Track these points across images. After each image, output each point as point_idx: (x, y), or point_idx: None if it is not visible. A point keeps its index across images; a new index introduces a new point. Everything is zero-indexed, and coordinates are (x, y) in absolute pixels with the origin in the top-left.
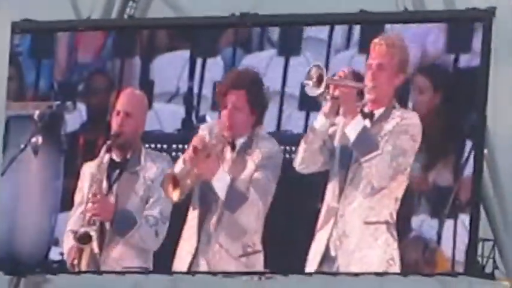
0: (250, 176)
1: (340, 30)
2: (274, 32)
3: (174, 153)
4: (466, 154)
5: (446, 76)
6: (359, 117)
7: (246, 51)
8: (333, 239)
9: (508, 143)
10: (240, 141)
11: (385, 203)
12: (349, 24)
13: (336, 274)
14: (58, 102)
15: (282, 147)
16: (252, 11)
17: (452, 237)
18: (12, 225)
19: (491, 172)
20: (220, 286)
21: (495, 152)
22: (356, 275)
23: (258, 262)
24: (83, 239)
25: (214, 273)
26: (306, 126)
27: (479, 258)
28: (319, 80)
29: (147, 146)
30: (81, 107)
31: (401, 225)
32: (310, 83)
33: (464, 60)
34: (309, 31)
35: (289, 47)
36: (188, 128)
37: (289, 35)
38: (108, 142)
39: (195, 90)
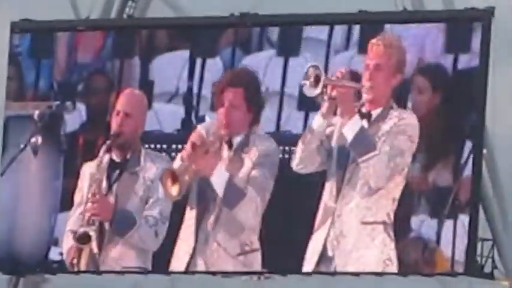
0: (248, 174)
1: (339, 30)
2: (274, 33)
3: (173, 154)
4: (465, 154)
5: (445, 76)
6: (356, 117)
7: (245, 51)
8: (330, 239)
9: (508, 143)
10: (237, 140)
11: (382, 203)
12: (348, 24)
13: (335, 274)
14: (58, 102)
15: (281, 148)
16: (252, 11)
17: (452, 237)
18: (11, 225)
19: (491, 172)
20: (219, 286)
21: (494, 152)
22: (356, 274)
23: (256, 261)
24: (82, 238)
25: (213, 273)
26: (305, 126)
27: (479, 258)
28: (317, 81)
29: (146, 146)
30: (81, 107)
31: (401, 226)
32: (308, 83)
33: (464, 61)
34: (308, 32)
35: (288, 48)
36: (188, 128)
37: (289, 35)
38: (108, 142)
39: (195, 90)
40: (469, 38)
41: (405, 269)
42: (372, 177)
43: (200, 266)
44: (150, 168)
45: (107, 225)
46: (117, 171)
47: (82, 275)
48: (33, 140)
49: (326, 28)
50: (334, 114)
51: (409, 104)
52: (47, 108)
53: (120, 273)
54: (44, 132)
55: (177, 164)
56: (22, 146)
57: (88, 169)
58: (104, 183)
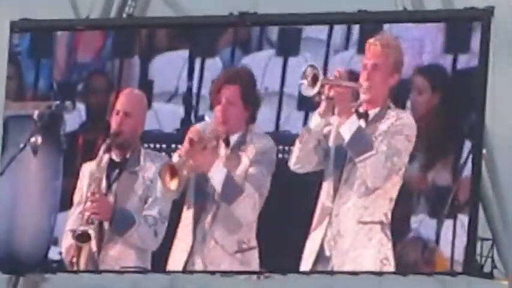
0: (245, 171)
1: (339, 30)
2: (273, 32)
3: (173, 153)
4: (464, 154)
5: (444, 76)
6: (354, 117)
7: (244, 51)
8: (327, 239)
9: (507, 142)
10: (234, 138)
11: (379, 203)
12: (348, 24)
13: (335, 273)
14: (57, 102)
15: (281, 147)
16: (251, 11)
17: (451, 237)
18: (11, 225)
19: (490, 172)
20: (219, 285)
21: (494, 152)
22: (355, 274)
23: (253, 259)
24: (82, 237)
25: (212, 273)
26: (305, 126)
27: (478, 258)
28: (314, 80)
29: (146, 145)
30: (81, 106)
31: (400, 225)
32: (305, 82)
33: (463, 61)
34: (308, 31)
35: (288, 47)
36: (187, 128)
37: (288, 35)
38: (108, 141)
39: (194, 90)
40: (468, 38)
41: (404, 268)
42: (369, 177)
43: (198, 264)
44: (149, 167)
45: (106, 225)
46: (117, 171)
47: (81, 274)
48: (32, 139)
49: (326, 28)
50: (332, 113)
51: (408, 104)
52: (47, 108)
53: (119, 272)
54: (44, 132)
55: (175, 159)
56: (22, 145)
57: (88, 169)
58: (104, 183)
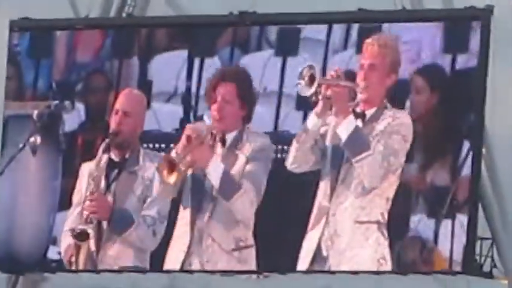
0: (242, 168)
1: (338, 30)
2: (272, 33)
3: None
4: (463, 154)
5: (443, 76)
6: (351, 117)
7: (243, 51)
8: (324, 239)
9: (507, 142)
10: (230, 137)
11: (376, 202)
12: (347, 23)
13: (334, 273)
14: (56, 102)
15: (280, 147)
16: (251, 10)
17: (450, 237)
18: (10, 225)
19: (490, 171)
20: (218, 284)
21: (493, 151)
22: (355, 273)
23: (250, 257)
24: (81, 235)
25: (212, 272)
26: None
27: (478, 257)
28: (311, 80)
29: (145, 145)
30: (80, 106)
31: (399, 225)
32: (302, 82)
33: (462, 60)
34: (307, 32)
35: (286, 48)
36: (185, 127)
37: (287, 35)
38: (107, 141)
39: (193, 90)
40: (467, 38)
41: (403, 268)
42: (366, 177)
43: (195, 264)
44: (148, 167)
45: (104, 224)
46: (116, 171)
47: (80, 274)
48: (32, 139)
49: (324, 28)
50: (329, 113)
51: (407, 104)
52: (46, 107)
53: (118, 271)
54: (43, 132)
55: (172, 155)
56: (21, 145)
57: (87, 169)
58: (103, 183)
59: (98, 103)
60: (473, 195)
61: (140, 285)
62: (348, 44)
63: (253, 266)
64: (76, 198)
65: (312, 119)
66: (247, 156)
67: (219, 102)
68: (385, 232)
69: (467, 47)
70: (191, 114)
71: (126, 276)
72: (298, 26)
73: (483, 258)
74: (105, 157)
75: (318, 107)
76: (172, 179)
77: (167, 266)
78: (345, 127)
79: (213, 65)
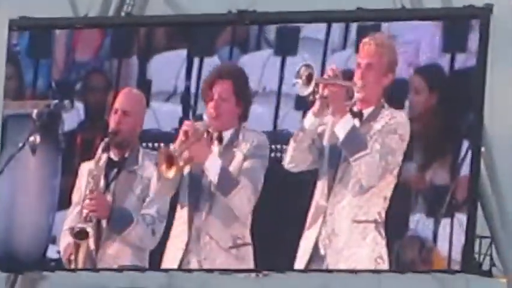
0: (240, 165)
1: (337, 29)
2: (271, 32)
3: None
4: (462, 154)
5: (442, 76)
6: (348, 116)
7: (242, 50)
8: (322, 238)
9: (506, 142)
10: (227, 134)
11: (373, 202)
12: (346, 22)
13: (333, 271)
14: (56, 101)
15: (279, 146)
16: (250, 9)
17: (449, 236)
18: (10, 224)
19: (489, 170)
20: (217, 283)
21: (493, 150)
22: (354, 272)
23: (248, 254)
24: (80, 234)
25: (211, 271)
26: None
27: (477, 256)
28: (309, 79)
29: (144, 144)
30: (79, 106)
31: (398, 224)
32: (300, 81)
33: (461, 60)
34: (306, 31)
35: (286, 47)
36: None
37: (286, 34)
38: (106, 139)
39: (192, 89)
40: (466, 37)
41: (402, 267)
42: (363, 176)
43: (193, 262)
44: (148, 167)
45: (104, 223)
46: (115, 170)
47: (79, 272)
48: (31, 138)
49: (323, 27)
50: (326, 113)
51: (406, 104)
52: (45, 107)
53: (117, 270)
54: (42, 131)
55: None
56: (20, 144)
57: (86, 168)
58: (102, 182)
59: (97, 102)
60: (472, 194)
61: (139, 284)
62: (347, 44)
63: (250, 264)
64: (75, 197)
65: (309, 118)
66: (245, 154)
67: (216, 100)
68: (383, 231)
69: (466, 46)
70: (190, 114)
71: (125, 275)
72: (298, 25)
73: (482, 257)
74: (104, 156)
75: (315, 106)
76: (171, 173)
77: (165, 264)
78: (342, 126)
79: (212, 64)
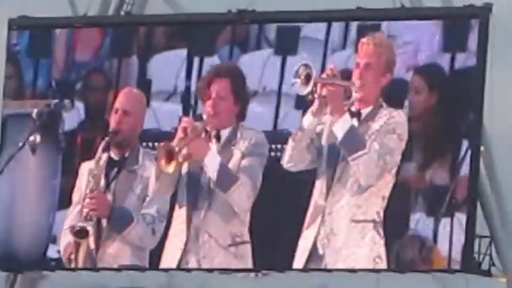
0: (238, 163)
1: (337, 28)
2: (271, 32)
3: None
4: (462, 153)
5: (442, 76)
6: (346, 116)
7: (243, 50)
8: (320, 237)
9: (506, 142)
10: (225, 133)
11: (372, 201)
12: (345, 21)
13: (333, 271)
14: (56, 101)
15: (280, 146)
16: (250, 8)
17: (449, 235)
18: (10, 223)
19: (489, 170)
20: (217, 282)
21: (492, 150)
22: (354, 271)
23: (246, 253)
24: (80, 233)
25: (211, 270)
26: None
27: (476, 255)
28: (307, 79)
29: (144, 144)
30: (79, 105)
31: (398, 224)
32: (298, 81)
33: (461, 59)
34: (306, 31)
35: (286, 47)
36: None
37: (286, 34)
38: (106, 139)
39: (192, 89)
40: (466, 36)
41: (402, 266)
42: (362, 175)
43: (192, 262)
44: (148, 166)
45: (104, 222)
46: (115, 170)
47: (79, 272)
48: (31, 138)
49: (323, 27)
50: (325, 112)
51: (406, 103)
52: (46, 106)
53: (117, 270)
54: (43, 131)
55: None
56: (20, 144)
57: (86, 168)
58: (102, 181)
59: (98, 102)
60: (472, 194)
61: (139, 283)
62: (347, 43)
63: (249, 262)
64: (76, 196)
65: (308, 118)
66: (243, 152)
67: (214, 98)
68: (381, 231)
69: (466, 45)
70: (190, 113)
71: (125, 274)
72: (298, 24)
73: (482, 257)
74: (104, 156)
75: (314, 106)
76: (171, 168)
77: (164, 264)
78: (341, 126)
79: (212, 64)
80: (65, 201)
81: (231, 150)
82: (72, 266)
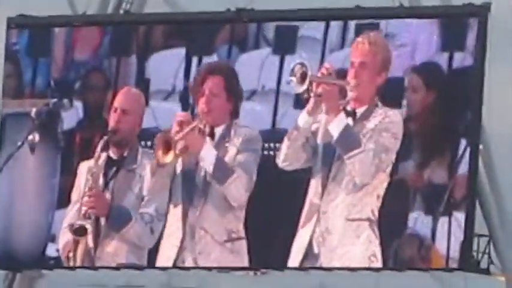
0: (233, 159)
1: (335, 28)
2: (270, 31)
3: None
4: (460, 152)
5: (440, 75)
6: (342, 114)
7: (241, 49)
8: (315, 236)
9: (504, 141)
10: (218, 130)
11: (367, 200)
12: (344, 20)
13: (332, 269)
14: (55, 100)
15: (278, 145)
16: (248, 7)
17: (447, 234)
18: (9, 222)
19: (487, 168)
20: (215, 280)
21: (491, 149)
22: (353, 270)
23: (242, 248)
24: (79, 231)
25: (209, 269)
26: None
27: (475, 254)
28: (303, 77)
29: (143, 143)
30: (78, 104)
31: (397, 223)
32: (294, 79)
33: (459, 59)
34: (304, 30)
35: (284, 46)
36: None
37: (285, 33)
38: (105, 138)
39: None
40: (464, 35)
41: (400, 265)
42: (357, 174)
43: (188, 259)
44: (146, 166)
45: (102, 221)
46: (114, 169)
47: (78, 270)
48: (30, 137)
49: (322, 27)
50: (320, 111)
51: (404, 102)
52: (44, 105)
53: (115, 268)
54: (41, 130)
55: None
56: (19, 143)
57: (85, 167)
58: (101, 180)
59: (96, 101)
60: (471, 193)
61: (137, 281)
62: (345, 43)
63: (245, 258)
64: (75, 195)
65: (303, 117)
66: (237, 148)
67: (207, 95)
68: (376, 229)
69: (464, 44)
70: (189, 112)
71: (123, 273)
72: (296, 23)
73: (480, 255)
74: (103, 155)
75: (309, 105)
76: (168, 158)
77: (160, 263)
78: (336, 125)
79: None
80: (63, 200)
81: (225, 146)
82: (71, 264)
